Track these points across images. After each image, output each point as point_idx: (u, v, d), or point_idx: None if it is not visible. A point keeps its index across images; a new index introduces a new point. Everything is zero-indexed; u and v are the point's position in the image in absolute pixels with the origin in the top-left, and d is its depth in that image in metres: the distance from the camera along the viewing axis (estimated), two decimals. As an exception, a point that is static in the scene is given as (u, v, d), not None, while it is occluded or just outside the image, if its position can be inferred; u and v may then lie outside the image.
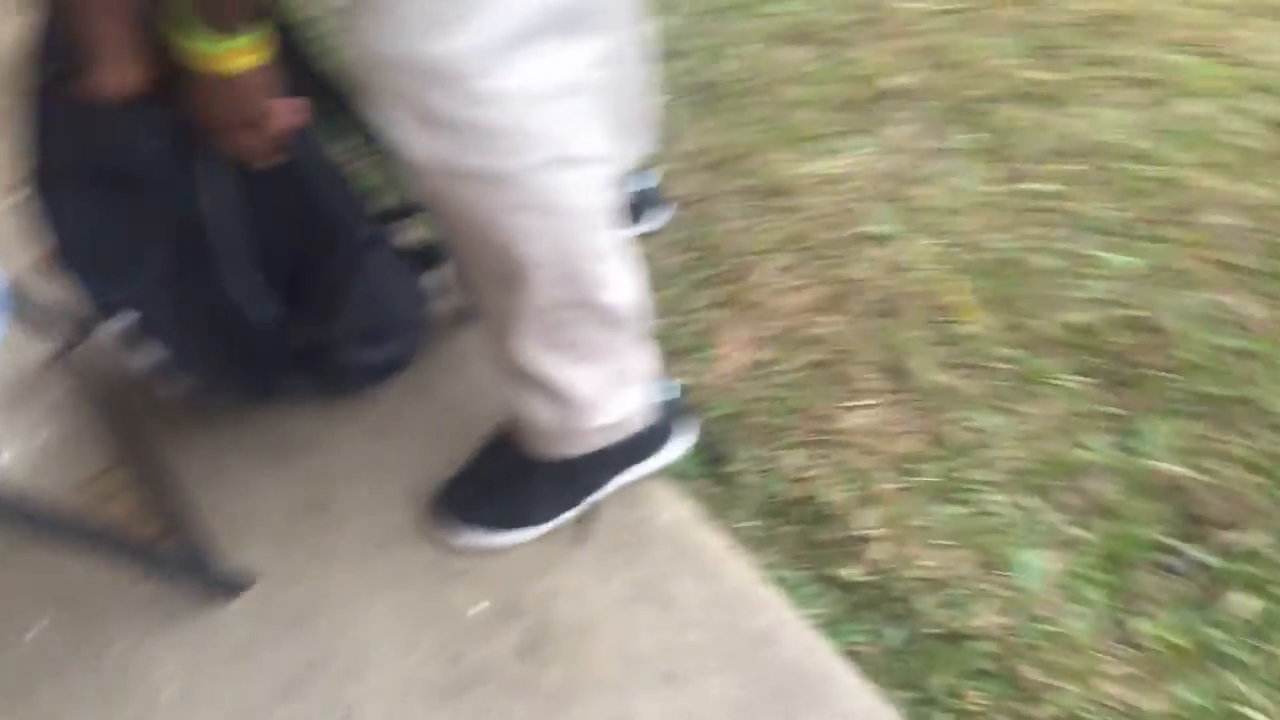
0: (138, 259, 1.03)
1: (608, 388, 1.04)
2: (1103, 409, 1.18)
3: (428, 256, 1.27)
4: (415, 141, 0.79)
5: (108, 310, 1.06)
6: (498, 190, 0.82)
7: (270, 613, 1.13)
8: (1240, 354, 1.20)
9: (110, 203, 1.00)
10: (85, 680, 1.11)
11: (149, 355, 1.12)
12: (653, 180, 1.44)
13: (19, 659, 1.14)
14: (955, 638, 1.02)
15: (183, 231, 1.02)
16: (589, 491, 1.13)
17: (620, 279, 0.95)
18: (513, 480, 1.14)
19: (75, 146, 0.97)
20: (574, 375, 1.00)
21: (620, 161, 1.25)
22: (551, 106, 0.79)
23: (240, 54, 0.81)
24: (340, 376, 1.25)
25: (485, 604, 1.10)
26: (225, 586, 1.16)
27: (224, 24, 0.79)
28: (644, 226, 1.48)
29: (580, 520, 1.14)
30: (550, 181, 0.82)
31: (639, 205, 1.44)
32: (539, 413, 1.05)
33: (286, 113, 0.93)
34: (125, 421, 1.33)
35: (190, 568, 1.16)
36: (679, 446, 1.17)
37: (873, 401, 1.23)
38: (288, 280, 1.11)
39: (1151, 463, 1.12)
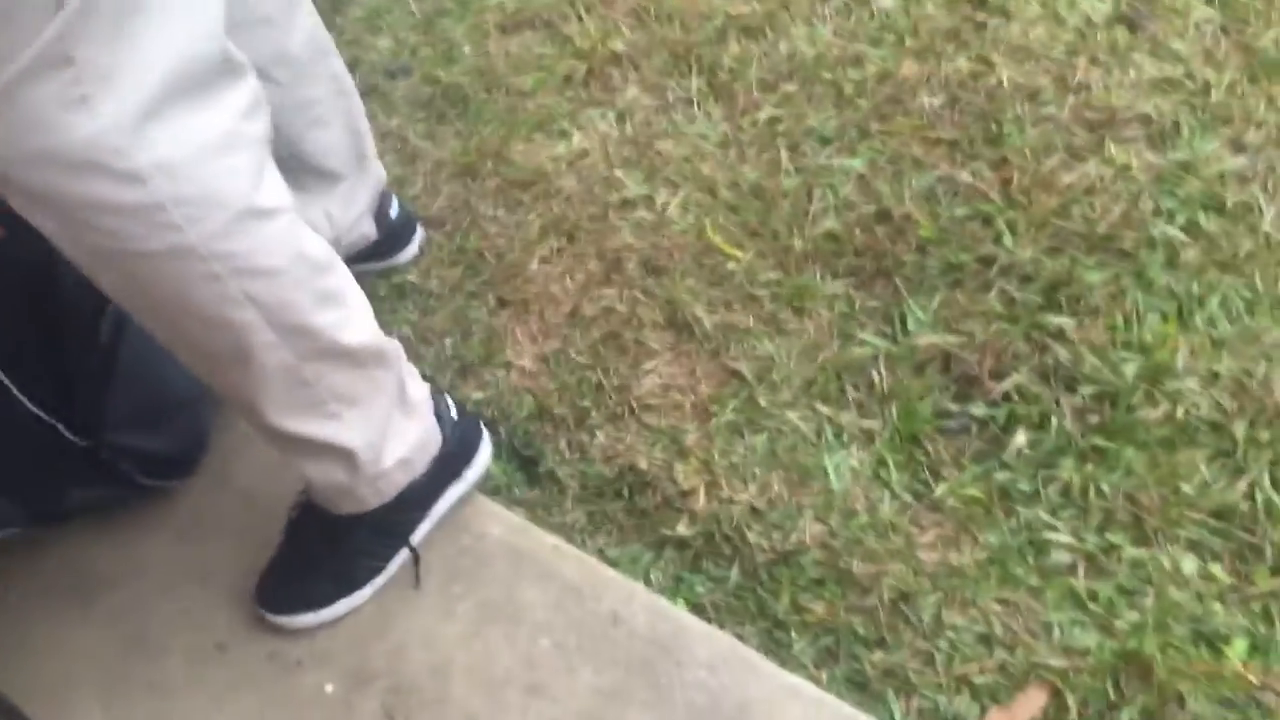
0: None
1: (386, 426, 1.03)
2: (866, 304, 1.27)
3: None
4: (82, 238, 0.77)
5: None
6: (186, 264, 0.79)
7: (114, 766, 1.08)
8: (972, 219, 1.31)
9: None
10: None
11: None
12: (397, 206, 1.44)
13: None
14: (785, 557, 1.09)
15: None
16: (409, 531, 1.13)
17: (353, 317, 0.94)
18: (330, 548, 1.12)
19: None
20: (343, 428, 0.98)
21: (323, 201, 1.25)
22: (209, 167, 0.77)
23: None
24: (128, 473, 1.20)
25: (335, 681, 1.08)
26: (58, 756, 1.10)
27: None
28: (402, 255, 1.48)
29: (413, 562, 1.14)
30: (238, 244, 0.80)
31: (391, 235, 1.44)
32: (327, 474, 1.03)
33: None
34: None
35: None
36: (484, 455, 1.18)
37: (661, 359, 1.28)
38: (48, 366, 1.07)
39: (918, 340, 1.21)
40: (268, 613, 1.13)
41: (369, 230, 1.35)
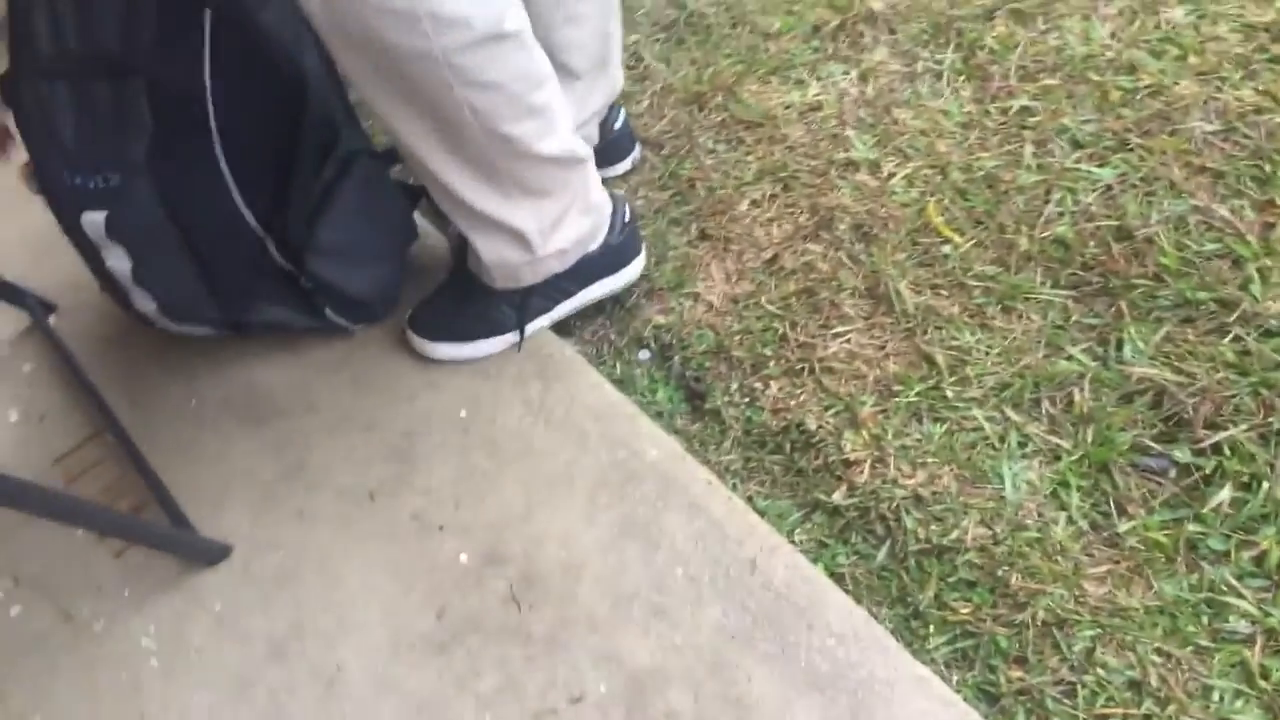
0: (119, 148, 1.07)
1: (561, 218, 1.19)
2: (1082, 320, 1.24)
3: (420, 194, 1.33)
4: (346, 23, 0.93)
5: (76, 207, 1.10)
6: (425, 66, 0.95)
7: (251, 578, 1.19)
8: (1219, 256, 1.25)
9: (90, 91, 1.05)
10: (69, 658, 1.16)
11: (114, 268, 1.16)
12: (621, 118, 1.48)
13: (1, 637, 1.19)
14: (940, 551, 1.08)
15: (168, 119, 1.08)
16: (553, 305, 1.31)
17: (553, 127, 1.09)
18: (477, 302, 1.27)
19: (55, 32, 1.04)
20: (521, 211, 1.15)
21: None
22: None
23: None
24: (319, 302, 1.30)
25: (471, 553, 1.15)
26: (204, 555, 1.21)
27: None
28: (616, 168, 1.53)
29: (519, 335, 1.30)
30: (471, 60, 0.96)
31: (610, 146, 1.49)
32: (499, 251, 1.19)
33: None
34: (96, 396, 1.38)
35: (168, 538, 1.21)
36: (635, 267, 1.33)
37: (854, 326, 1.28)
38: (272, 184, 1.18)
39: (1131, 369, 1.17)
40: (417, 335, 1.31)
41: (592, 135, 1.41)
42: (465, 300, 1.29)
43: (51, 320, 1.54)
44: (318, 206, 1.22)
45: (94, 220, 1.12)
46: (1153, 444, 1.13)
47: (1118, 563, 1.05)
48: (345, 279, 1.29)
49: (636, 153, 1.52)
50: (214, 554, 1.21)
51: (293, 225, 1.21)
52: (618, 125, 1.47)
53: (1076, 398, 1.17)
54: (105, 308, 1.45)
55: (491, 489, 1.19)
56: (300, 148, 1.18)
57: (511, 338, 1.30)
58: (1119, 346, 1.20)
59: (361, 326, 1.37)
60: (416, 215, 1.42)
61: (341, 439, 1.28)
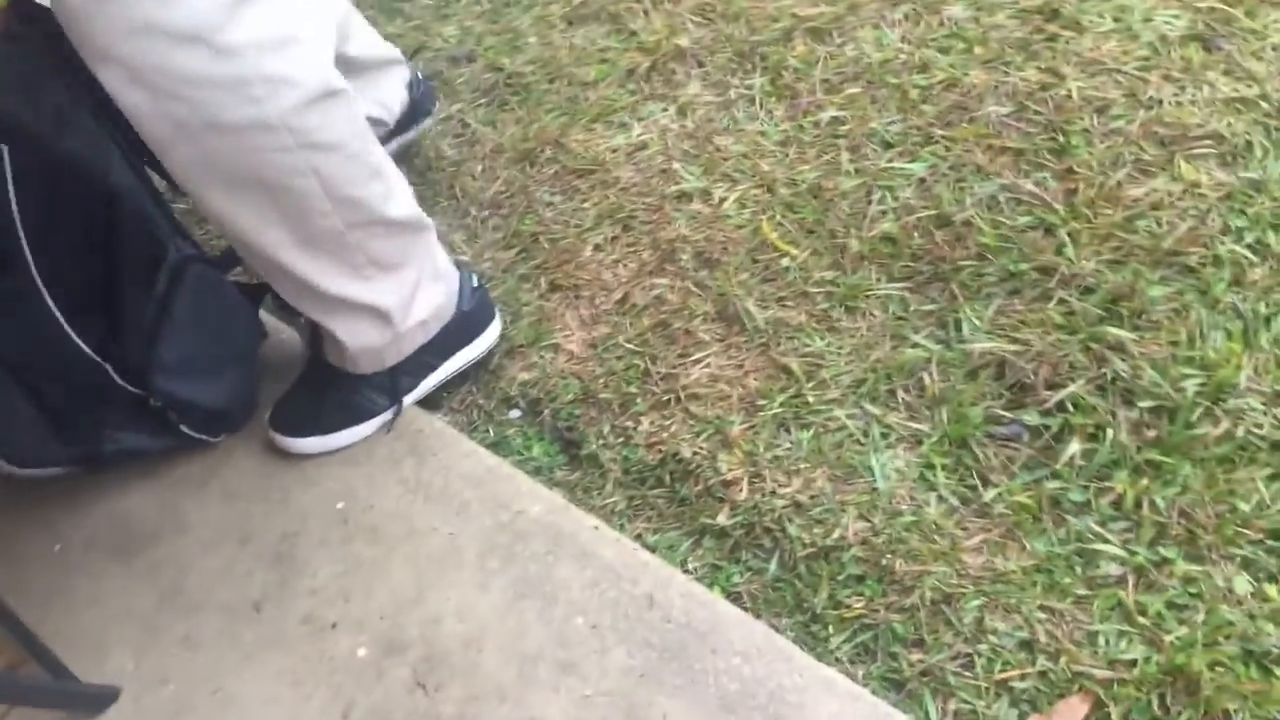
0: None
1: (415, 290, 1.19)
2: (920, 308, 1.29)
3: (263, 291, 1.29)
4: (171, 111, 0.90)
5: None
6: (263, 137, 0.94)
7: (144, 717, 1.12)
8: (1032, 228, 1.32)
9: None
10: (-44, 839, 1.08)
11: None
12: (410, 72, 1.57)
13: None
14: (826, 552, 1.10)
15: None
16: (414, 385, 1.30)
17: (395, 190, 1.10)
18: (340, 389, 1.26)
19: None
20: (379, 289, 1.14)
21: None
22: (293, 49, 0.92)
23: None
24: (173, 421, 1.25)
25: (368, 646, 1.12)
26: (91, 703, 1.14)
27: None
28: (425, 121, 1.62)
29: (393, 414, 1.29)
30: (309, 120, 0.95)
31: (412, 103, 1.56)
32: (361, 334, 1.18)
33: None
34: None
35: (50, 693, 1.14)
36: (493, 331, 1.35)
37: (711, 350, 1.31)
38: (101, 308, 1.13)
39: (971, 346, 1.23)
40: (280, 434, 1.27)
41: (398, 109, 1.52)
42: (327, 390, 1.27)
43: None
44: (155, 323, 1.18)
45: None
46: (1003, 413, 1.18)
47: (990, 531, 1.09)
48: (197, 393, 1.24)
49: (433, 100, 1.64)
50: (102, 700, 1.15)
51: (131, 347, 1.17)
52: (410, 79, 1.56)
53: (927, 382, 1.22)
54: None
55: (380, 577, 1.16)
56: (123, 267, 1.14)
57: (379, 422, 1.27)
58: (958, 327, 1.26)
59: (222, 437, 1.33)
60: (262, 313, 1.39)
61: (217, 555, 1.23)
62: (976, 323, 1.25)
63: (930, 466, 1.15)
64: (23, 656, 1.19)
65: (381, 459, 1.27)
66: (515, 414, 1.34)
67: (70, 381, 1.16)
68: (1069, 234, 1.30)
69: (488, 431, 1.32)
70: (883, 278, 1.33)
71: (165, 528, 1.28)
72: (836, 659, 1.04)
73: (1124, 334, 1.19)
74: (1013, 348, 1.21)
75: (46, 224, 1.05)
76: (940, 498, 1.13)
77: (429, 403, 1.35)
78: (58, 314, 1.10)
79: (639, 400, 1.28)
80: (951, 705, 1.00)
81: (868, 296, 1.31)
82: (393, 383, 1.26)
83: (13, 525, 1.33)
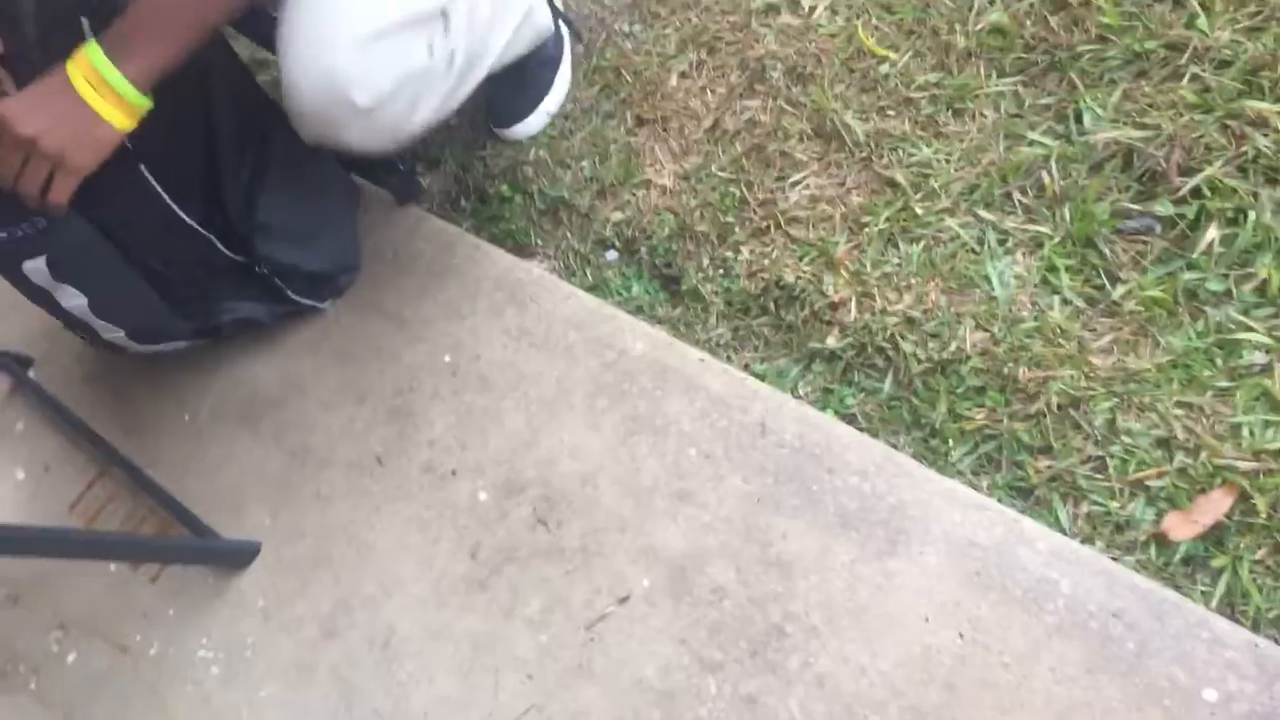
0: None
1: None
2: (1035, 102, 1.20)
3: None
4: None
5: (14, 261, 1.08)
6: None
7: (287, 568, 1.19)
8: (1160, 0, 1.20)
9: None
10: (135, 687, 1.18)
11: (71, 308, 1.14)
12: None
13: (62, 684, 1.21)
14: (943, 366, 1.07)
15: None
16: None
17: None
18: (522, 69, 1.32)
19: None
20: None
21: None
22: None
23: (129, 110, 0.92)
24: (280, 287, 1.29)
25: (488, 490, 1.15)
26: (236, 558, 1.22)
27: (140, 76, 0.90)
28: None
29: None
30: None
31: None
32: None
33: (65, 191, 0.95)
34: (92, 436, 1.38)
35: (198, 550, 1.22)
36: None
37: (810, 170, 1.25)
38: (200, 180, 1.15)
39: (1094, 137, 1.14)
40: (503, 129, 1.41)
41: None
42: (510, 76, 1.30)
43: (31, 374, 1.53)
44: (251, 191, 1.19)
45: (36, 268, 1.10)
46: (1132, 206, 1.10)
47: (1120, 330, 1.03)
48: (298, 257, 1.26)
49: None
50: (246, 554, 1.22)
51: (232, 216, 1.19)
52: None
53: (1046, 181, 1.14)
54: (79, 348, 1.44)
55: (493, 423, 1.19)
56: (218, 139, 1.15)
57: (566, 56, 1.41)
58: (1078, 119, 1.17)
59: (330, 301, 1.35)
60: (355, 177, 1.39)
61: (338, 414, 1.27)
62: (1099, 112, 1.16)
63: (1053, 269, 1.09)
64: (168, 523, 1.27)
65: (484, 311, 1.27)
66: (611, 255, 1.32)
67: (179, 255, 1.19)
68: (1200, 3, 1.17)
69: (585, 275, 1.31)
70: (993, 74, 1.24)
71: (286, 392, 1.32)
72: (958, 472, 1.02)
73: (1265, 106, 1.08)
74: (1140, 134, 1.12)
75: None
76: (1065, 300, 1.07)
77: (523, 250, 1.35)
78: (159, 189, 1.12)
79: (737, 229, 1.24)
80: (1083, 508, 0.97)
81: (977, 96, 1.22)
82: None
83: (145, 400, 1.40)
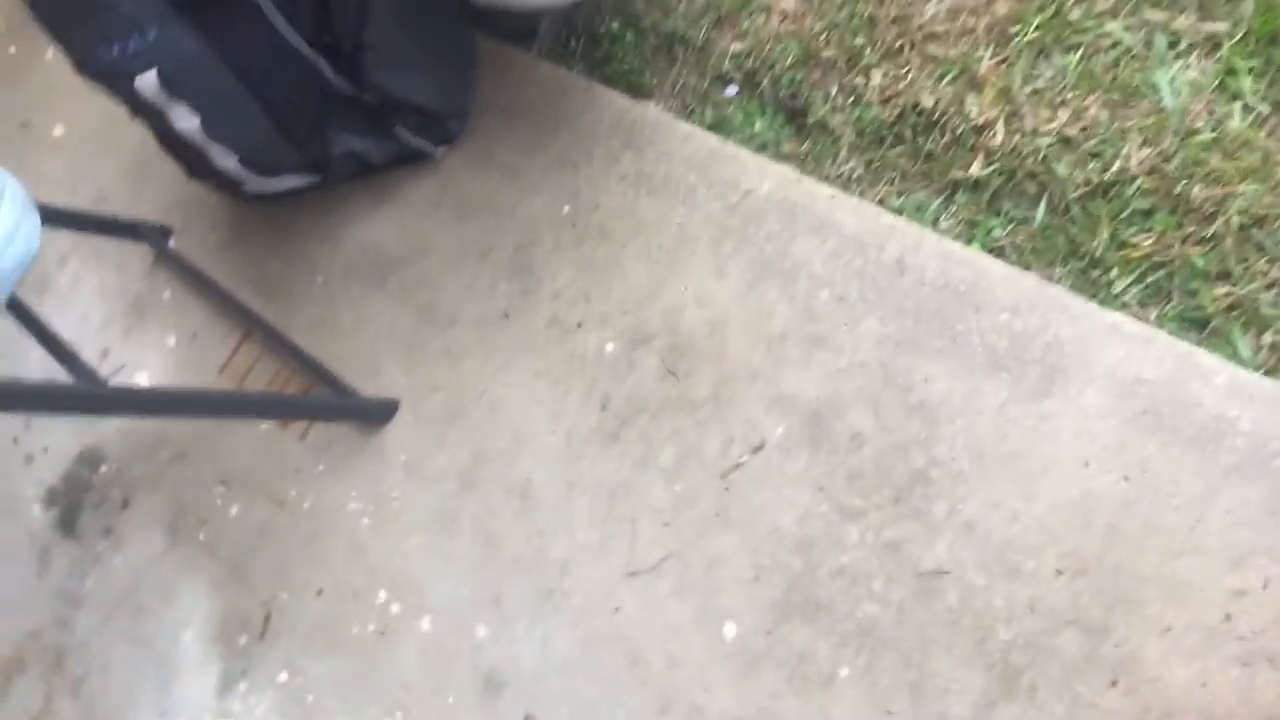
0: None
1: None
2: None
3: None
4: None
5: (128, 76, 1.08)
6: None
7: (424, 423, 1.20)
8: None
9: None
10: (294, 537, 1.23)
11: (183, 129, 1.14)
12: None
13: (227, 535, 1.27)
14: (1104, 189, 0.96)
15: None
16: None
17: None
18: None
19: None
20: None
21: None
22: None
23: None
24: (388, 121, 1.26)
25: (615, 341, 1.12)
26: (377, 414, 1.24)
27: None
28: None
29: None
30: None
31: None
32: None
33: None
34: (234, 303, 1.41)
35: (342, 408, 1.24)
36: None
37: (947, -18, 1.12)
38: (307, 14, 1.13)
39: (1291, -89, 0.97)
40: None
41: None
42: None
43: (171, 244, 1.56)
44: (360, 8, 1.15)
45: (148, 81, 1.09)
46: (1334, -9, 0.94)
47: (1316, 137, 0.90)
48: (407, 88, 1.23)
49: None
50: (385, 411, 1.24)
51: (341, 37, 1.15)
52: None
53: (1229, -31, 0.99)
54: (213, 215, 1.46)
55: (615, 274, 1.15)
56: None
57: None
58: (1269, -108, 1.00)
59: (442, 149, 1.32)
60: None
61: (462, 272, 1.25)
62: (1296, -119, 0.98)
63: (1232, 72, 0.96)
64: (311, 383, 1.30)
65: (600, 158, 1.22)
66: (731, 90, 1.23)
67: (288, 76, 1.16)
68: None
69: (705, 113, 1.23)
70: None
71: (410, 250, 1.31)
72: (1123, 304, 0.93)
73: None
74: (1348, -96, 0.95)
75: None
76: (1246, 107, 0.94)
77: (638, 91, 1.27)
78: (273, 5, 1.09)
79: (868, 51, 1.13)
80: (1267, 338, 0.87)
81: (1144, -124, 1.06)
82: None
83: (279, 265, 1.42)
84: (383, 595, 1.14)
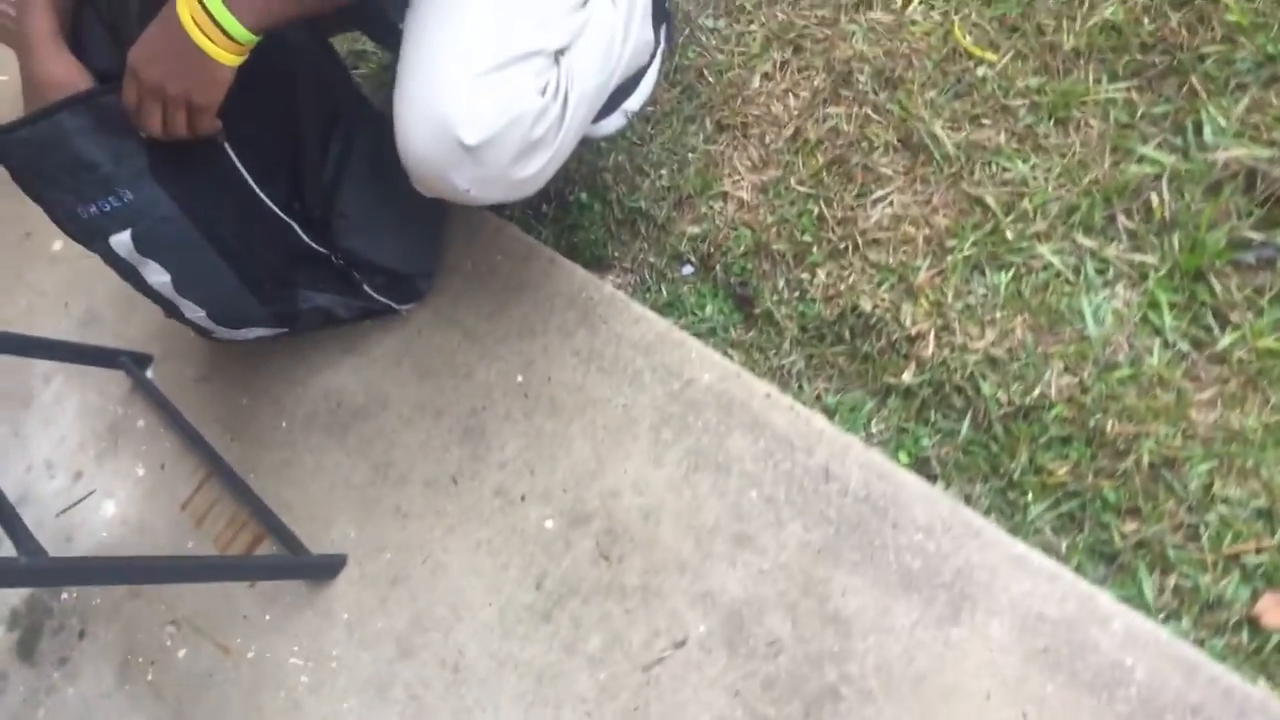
0: (119, 163, 1.07)
1: None
2: (1150, 111, 1.09)
3: None
4: None
5: (103, 235, 1.12)
6: None
7: (369, 582, 1.23)
8: (1304, -10, 1.06)
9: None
10: (235, 689, 1.25)
11: (155, 284, 1.19)
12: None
13: (174, 678, 1.30)
14: (1025, 412, 1.00)
15: None
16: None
17: None
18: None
19: None
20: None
21: None
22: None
23: (237, 49, 0.92)
24: (356, 280, 1.31)
25: (554, 518, 1.15)
26: (325, 570, 1.27)
27: (254, 21, 0.90)
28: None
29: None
30: None
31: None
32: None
33: (208, 123, 0.97)
34: (201, 441, 1.45)
35: (291, 568, 1.28)
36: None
37: (893, 186, 1.18)
38: (284, 164, 1.18)
39: (1214, 155, 1.02)
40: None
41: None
42: None
43: (150, 372, 1.62)
44: (334, 180, 1.22)
45: (122, 241, 1.15)
46: (1252, 234, 0.99)
47: (1226, 381, 0.94)
48: (375, 251, 1.28)
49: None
50: (333, 568, 1.27)
51: (313, 203, 1.21)
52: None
53: (1155, 203, 1.04)
54: (189, 348, 1.52)
55: (561, 449, 1.19)
56: (302, 125, 1.17)
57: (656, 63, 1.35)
58: (1198, 131, 1.05)
59: (408, 306, 1.37)
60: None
61: (417, 430, 1.30)
62: (1222, 123, 1.04)
63: (1155, 305, 1.00)
64: (262, 532, 1.33)
65: (555, 330, 1.27)
66: (688, 270, 1.29)
67: (259, 236, 1.21)
68: (1352, -6, 1.03)
69: (660, 291, 1.28)
70: (1103, 77, 1.13)
71: (371, 403, 1.36)
72: (1036, 529, 0.96)
73: None
74: (1268, 151, 1.00)
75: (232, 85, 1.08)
76: (1166, 343, 0.98)
77: (600, 262, 1.33)
78: (242, 170, 1.15)
79: (814, 249, 1.18)
80: (1171, 580, 0.90)
81: (1083, 103, 1.12)
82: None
83: (247, 405, 1.46)
84: (310, 761, 1.16)
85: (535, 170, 1.04)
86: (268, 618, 1.29)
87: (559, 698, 1.06)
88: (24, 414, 1.73)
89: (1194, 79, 1.07)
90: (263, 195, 1.15)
